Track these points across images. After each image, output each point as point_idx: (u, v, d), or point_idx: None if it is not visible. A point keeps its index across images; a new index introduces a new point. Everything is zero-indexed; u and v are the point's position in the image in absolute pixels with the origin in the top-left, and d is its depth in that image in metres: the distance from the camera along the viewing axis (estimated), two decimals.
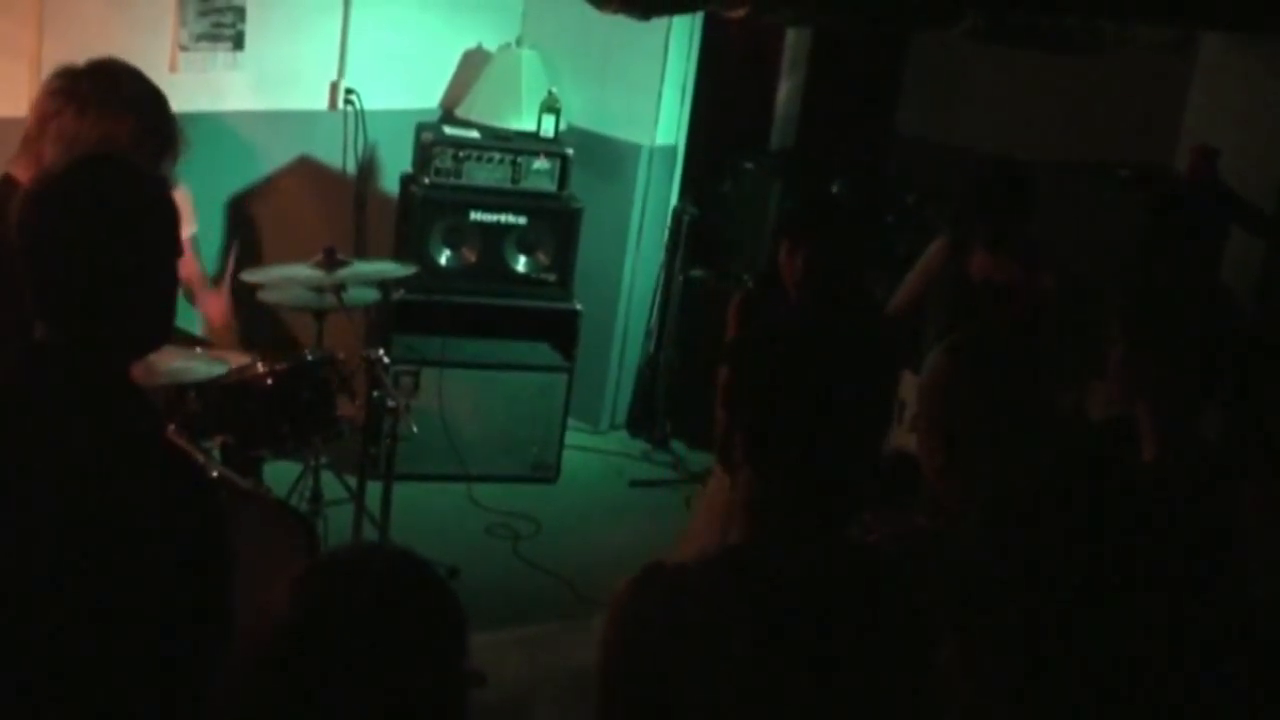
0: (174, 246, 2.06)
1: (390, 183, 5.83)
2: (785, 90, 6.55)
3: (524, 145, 5.62)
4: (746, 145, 6.41)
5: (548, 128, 5.65)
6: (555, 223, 5.62)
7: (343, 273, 4.34)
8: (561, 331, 5.70)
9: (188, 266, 3.89)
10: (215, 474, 3.60)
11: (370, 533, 4.42)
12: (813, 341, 1.97)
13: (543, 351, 5.72)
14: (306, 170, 5.55)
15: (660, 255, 6.19)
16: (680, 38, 5.95)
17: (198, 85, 4.91)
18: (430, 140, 5.50)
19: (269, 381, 3.98)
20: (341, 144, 5.51)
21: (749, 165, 6.21)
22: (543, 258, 5.64)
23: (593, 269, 5.85)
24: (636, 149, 6.03)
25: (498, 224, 5.57)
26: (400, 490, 4.55)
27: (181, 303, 2.11)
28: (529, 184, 5.60)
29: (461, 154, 5.52)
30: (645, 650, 1.86)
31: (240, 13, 5.08)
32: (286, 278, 4.44)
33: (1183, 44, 5.75)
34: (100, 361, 1.97)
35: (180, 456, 2.22)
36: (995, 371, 2.42)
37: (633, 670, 1.87)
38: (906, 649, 1.94)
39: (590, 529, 5.42)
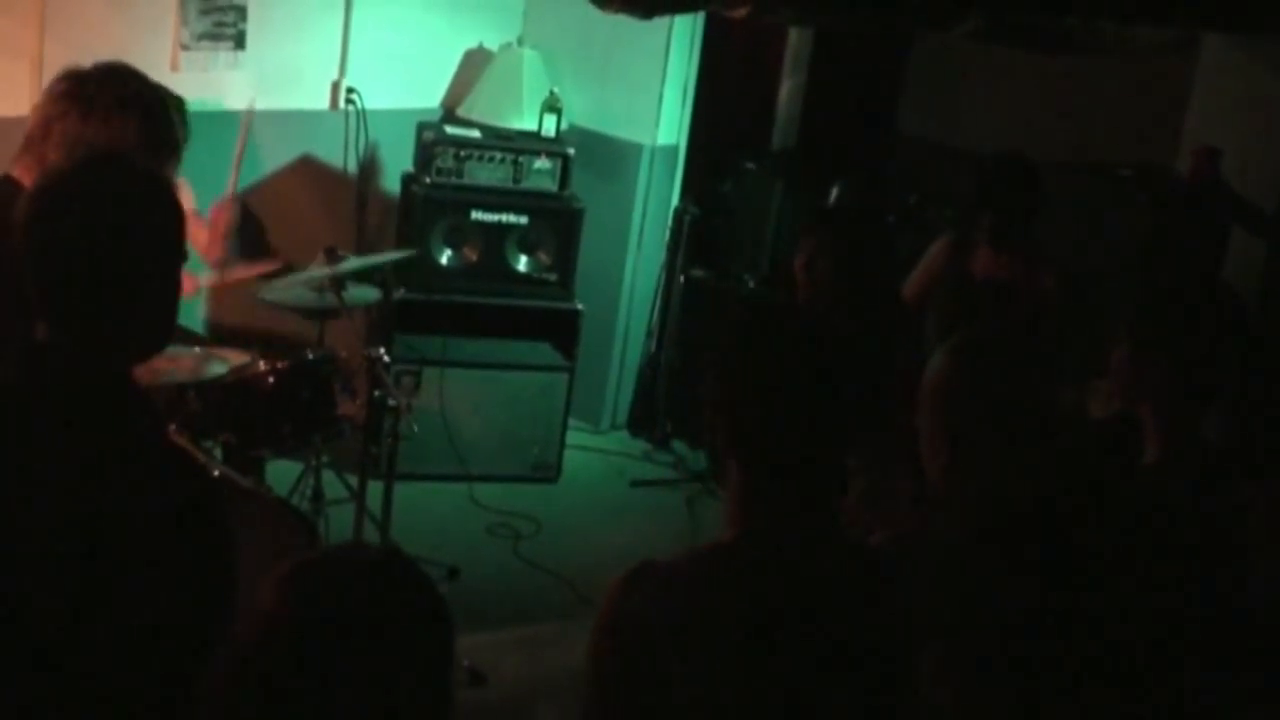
0: (178, 248, 2.06)
1: (391, 182, 5.83)
2: (787, 90, 6.55)
3: (525, 145, 5.62)
4: (748, 145, 6.42)
5: (549, 127, 5.65)
6: (556, 222, 5.62)
7: (344, 265, 4.34)
8: (562, 331, 5.70)
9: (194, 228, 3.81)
10: (216, 474, 3.60)
11: (371, 532, 4.41)
12: (796, 336, 1.97)
13: (544, 351, 5.72)
14: (308, 170, 5.54)
15: (661, 255, 6.19)
16: (682, 37, 5.94)
17: (199, 84, 4.91)
18: (431, 140, 5.50)
19: (270, 381, 3.98)
20: (343, 143, 5.51)
21: (750, 165, 6.21)
22: (544, 257, 5.64)
23: (594, 269, 5.85)
24: (638, 149, 6.03)
25: (499, 223, 5.57)
26: (401, 490, 4.55)
27: (181, 302, 2.11)
28: (530, 184, 5.60)
29: (463, 154, 5.52)
30: (636, 647, 1.86)
31: (241, 12, 5.08)
32: (292, 282, 4.44)
33: (1184, 44, 5.74)
34: (103, 363, 1.97)
35: (184, 458, 2.21)
36: (998, 371, 2.41)
37: (623, 667, 1.87)
38: (895, 647, 1.94)
39: (591, 529, 5.42)
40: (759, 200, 6.09)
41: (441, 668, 1.57)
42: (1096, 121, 6.22)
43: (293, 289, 4.50)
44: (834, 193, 5.87)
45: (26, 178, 3.11)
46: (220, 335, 4.78)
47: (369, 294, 4.72)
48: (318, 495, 4.40)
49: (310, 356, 4.14)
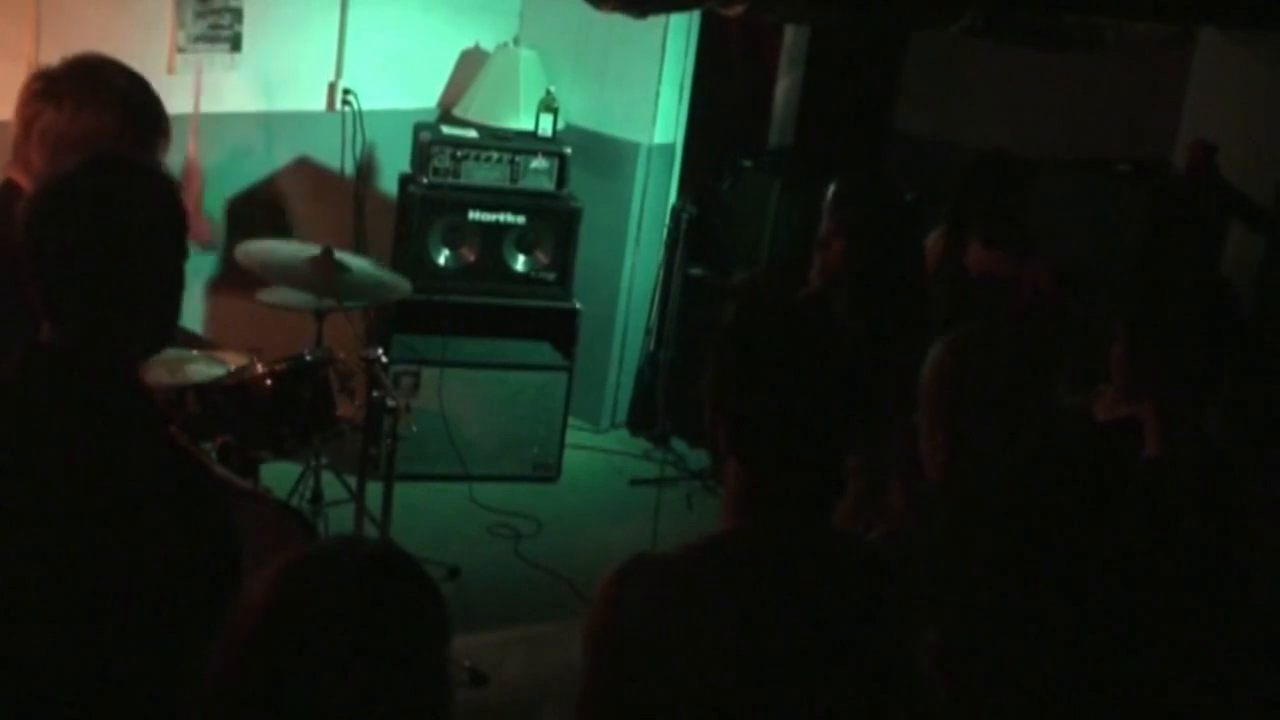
0: (180, 248, 2.06)
1: (389, 183, 5.83)
2: (783, 88, 6.55)
3: (522, 144, 5.62)
4: (745, 143, 6.41)
5: (546, 127, 5.65)
6: (554, 222, 5.62)
7: (339, 282, 4.32)
8: (561, 331, 5.70)
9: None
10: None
11: (371, 533, 4.41)
12: (793, 327, 1.97)
13: (543, 351, 5.72)
14: (305, 171, 5.54)
15: (659, 254, 6.19)
16: (678, 36, 5.94)
17: (195, 87, 4.91)
18: (428, 140, 5.50)
19: (268, 382, 3.98)
20: (340, 144, 5.51)
21: (747, 163, 6.20)
22: (542, 257, 5.64)
23: (592, 268, 5.85)
24: (635, 148, 6.03)
25: (496, 223, 5.57)
26: (401, 490, 4.55)
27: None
28: (527, 183, 5.60)
29: (460, 154, 5.52)
30: (630, 640, 1.86)
31: (238, 14, 5.08)
32: (283, 261, 4.40)
33: (1181, 40, 5.75)
34: (106, 362, 1.97)
35: (187, 457, 2.21)
36: (995, 366, 2.42)
37: (617, 660, 1.87)
38: (891, 642, 1.94)
39: (591, 528, 5.42)
40: (756, 198, 6.08)
41: (437, 659, 1.57)
42: (1093, 117, 6.22)
43: (293, 291, 4.50)
44: (830, 190, 5.85)
45: (23, 180, 3.10)
46: (219, 336, 4.78)
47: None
48: (317, 496, 4.40)
49: (309, 358, 4.14)
